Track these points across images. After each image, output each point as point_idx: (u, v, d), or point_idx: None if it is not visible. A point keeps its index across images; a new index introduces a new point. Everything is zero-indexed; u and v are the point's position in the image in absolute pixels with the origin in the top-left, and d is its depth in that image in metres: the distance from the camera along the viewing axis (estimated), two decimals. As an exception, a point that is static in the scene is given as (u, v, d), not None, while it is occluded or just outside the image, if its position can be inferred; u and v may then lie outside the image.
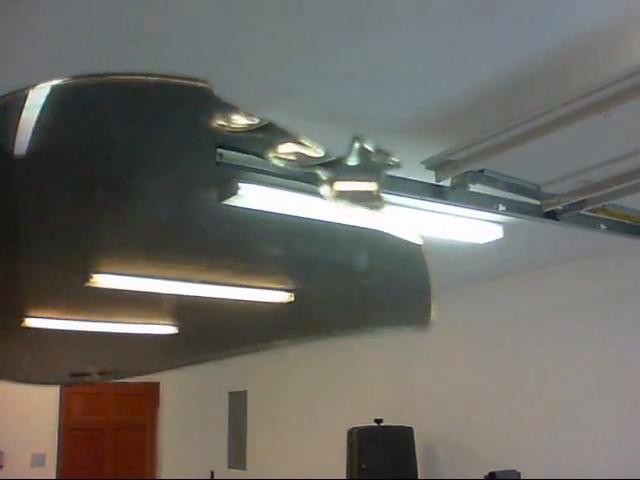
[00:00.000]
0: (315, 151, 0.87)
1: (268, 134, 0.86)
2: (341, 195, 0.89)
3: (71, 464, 7.75)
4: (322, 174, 0.87)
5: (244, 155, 2.08)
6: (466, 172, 2.61)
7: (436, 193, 2.75)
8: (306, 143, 0.84)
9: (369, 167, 0.88)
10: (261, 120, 0.83)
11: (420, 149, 2.65)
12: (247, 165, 2.16)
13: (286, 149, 0.87)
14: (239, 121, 0.85)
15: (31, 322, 1.18)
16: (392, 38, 2.11)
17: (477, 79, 2.34)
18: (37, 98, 0.83)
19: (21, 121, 0.85)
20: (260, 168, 2.22)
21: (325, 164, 0.87)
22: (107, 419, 8.12)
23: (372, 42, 2.12)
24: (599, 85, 2.06)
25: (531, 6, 1.97)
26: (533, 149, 2.41)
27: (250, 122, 0.84)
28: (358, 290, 1.29)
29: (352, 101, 2.49)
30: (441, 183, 2.69)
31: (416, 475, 5.50)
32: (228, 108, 0.83)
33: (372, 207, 0.97)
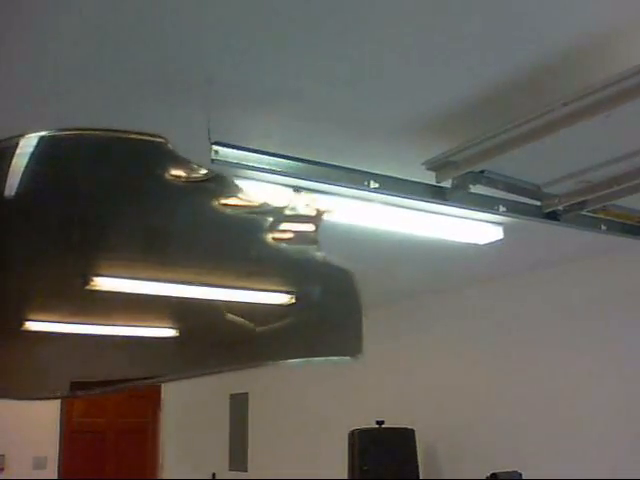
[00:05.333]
0: (257, 201, 0.99)
1: (217, 184, 0.95)
2: (282, 237, 0.99)
3: (72, 467, 7.74)
4: (264, 220, 0.98)
5: (240, 152, 2.08)
6: (466, 173, 2.61)
7: (437, 194, 2.75)
8: (249, 194, 0.96)
9: (307, 214, 0.99)
10: (210, 172, 0.94)
11: (421, 150, 2.65)
12: (243, 162, 2.16)
13: (232, 197, 0.98)
14: (192, 173, 0.96)
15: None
16: (392, 39, 2.11)
17: (477, 80, 2.35)
18: (26, 147, 0.95)
19: (12, 165, 0.95)
20: (256, 165, 2.22)
21: (266, 212, 0.98)
22: (108, 421, 8.11)
23: (372, 43, 2.12)
24: (599, 85, 2.06)
25: (531, 7, 1.97)
26: (533, 150, 2.41)
27: (202, 173, 0.94)
28: (290, 318, 1.31)
29: (353, 102, 2.49)
30: (442, 184, 2.69)
31: (417, 476, 5.49)
32: (182, 161, 0.95)
33: (309, 246, 1.06)
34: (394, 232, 3.58)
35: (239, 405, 8.25)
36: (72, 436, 7.81)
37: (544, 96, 2.29)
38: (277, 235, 0.96)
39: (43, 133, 0.98)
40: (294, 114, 2.54)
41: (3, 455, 7.29)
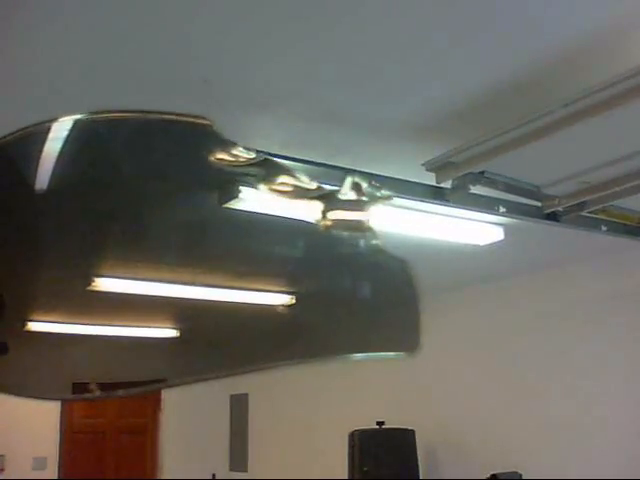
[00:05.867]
0: (309, 184, 0.92)
1: (266, 168, 0.90)
2: (334, 224, 0.94)
3: (73, 467, 7.73)
4: (316, 206, 0.92)
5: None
6: (467, 174, 2.61)
7: (437, 195, 2.75)
8: (300, 177, 0.89)
9: (361, 200, 0.93)
10: (259, 155, 0.88)
11: (420, 151, 2.65)
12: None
13: (282, 182, 0.92)
14: (239, 157, 0.90)
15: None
16: (392, 40, 2.11)
17: (477, 80, 2.35)
18: (60, 131, 0.89)
19: (44, 153, 0.90)
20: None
21: (319, 197, 0.92)
22: (109, 422, 8.11)
23: (372, 44, 2.13)
24: (599, 86, 2.06)
25: (531, 7, 1.97)
26: (534, 151, 2.41)
27: (249, 157, 0.88)
28: (343, 312, 1.28)
29: (353, 103, 2.49)
30: (442, 185, 2.69)
31: (418, 477, 5.50)
32: (229, 144, 0.88)
33: (364, 236, 1.01)
34: (393, 233, 3.58)
35: (239, 405, 8.24)
36: (72, 436, 7.80)
37: (544, 97, 2.29)
38: (329, 222, 0.92)
39: (78, 116, 0.90)
40: (294, 115, 2.55)
41: (3, 455, 7.28)
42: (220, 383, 8.22)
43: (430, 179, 2.66)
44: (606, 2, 1.97)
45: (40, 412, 7.58)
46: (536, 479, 4.65)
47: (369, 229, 0.96)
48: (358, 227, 0.95)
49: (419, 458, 5.52)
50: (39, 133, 0.90)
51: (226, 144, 0.89)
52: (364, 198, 0.93)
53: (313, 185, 0.92)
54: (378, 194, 0.93)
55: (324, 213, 0.93)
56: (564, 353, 4.90)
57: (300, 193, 0.93)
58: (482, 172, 2.65)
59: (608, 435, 4.53)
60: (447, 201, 2.77)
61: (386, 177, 2.62)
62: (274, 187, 0.93)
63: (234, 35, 2.05)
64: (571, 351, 4.85)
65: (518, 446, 5.06)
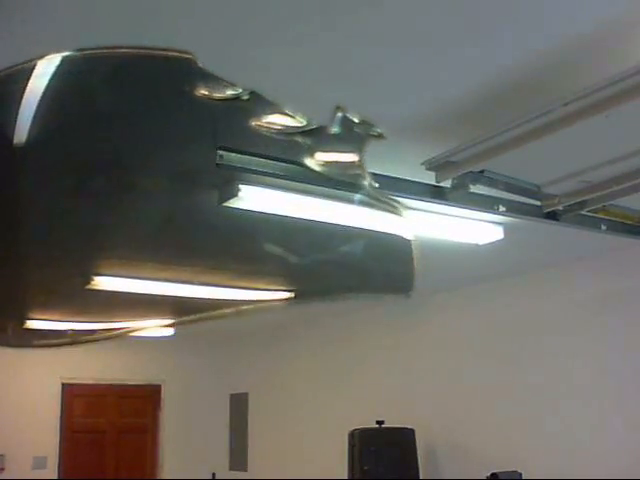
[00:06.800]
0: (298, 120, 0.90)
1: (252, 103, 0.87)
2: (323, 164, 0.92)
3: (72, 466, 7.74)
4: (303, 142, 0.89)
5: (245, 157, 2.09)
6: (466, 173, 2.61)
7: (436, 194, 2.75)
8: (289, 112, 0.86)
9: (352, 137, 0.90)
10: (244, 90, 0.84)
11: (420, 150, 2.65)
12: (248, 167, 2.16)
13: (269, 118, 0.90)
14: (223, 91, 0.87)
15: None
16: (392, 39, 2.11)
17: (477, 80, 2.34)
18: (47, 67, 0.83)
19: (25, 94, 0.83)
20: (261, 170, 2.23)
21: (307, 132, 0.89)
22: (109, 421, 8.11)
23: (372, 44, 2.12)
24: (599, 85, 2.06)
25: (531, 7, 1.97)
26: (533, 150, 2.41)
27: (235, 92, 0.85)
28: (339, 257, 1.28)
29: (352, 102, 2.48)
30: (441, 184, 2.69)
31: (417, 476, 5.50)
32: (212, 78, 0.85)
33: (354, 177, 0.98)
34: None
35: (239, 405, 8.25)
36: (72, 436, 7.81)
37: (544, 96, 2.29)
38: (317, 159, 0.89)
39: (66, 53, 0.84)
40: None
41: (3, 455, 7.29)
42: (220, 382, 8.23)
43: (430, 178, 2.66)
44: (606, 2, 1.97)
45: (40, 411, 7.59)
46: (536, 479, 4.65)
47: (359, 167, 0.93)
48: (350, 167, 0.92)
49: (419, 457, 5.52)
50: (22, 71, 0.83)
51: (210, 78, 0.86)
52: (356, 137, 0.90)
53: (303, 121, 0.89)
54: (371, 131, 0.90)
55: (312, 151, 0.90)
56: (564, 352, 4.90)
57: (288, 129, 0.90)
58: (482, 171, 2.65)
59: (609, 435, 4.53)
60: (447, 200, 2.77)
61: (386, 176, 2.62)
62: (261, 124, 0.90)
63: (233, 35, 2.05)
64: (571, 350, 4.85)
65: (518, 446, 5.06)
